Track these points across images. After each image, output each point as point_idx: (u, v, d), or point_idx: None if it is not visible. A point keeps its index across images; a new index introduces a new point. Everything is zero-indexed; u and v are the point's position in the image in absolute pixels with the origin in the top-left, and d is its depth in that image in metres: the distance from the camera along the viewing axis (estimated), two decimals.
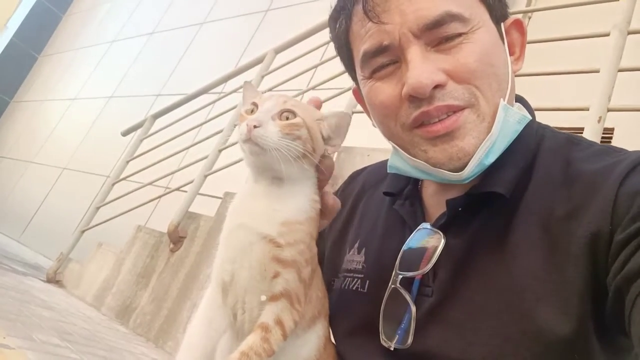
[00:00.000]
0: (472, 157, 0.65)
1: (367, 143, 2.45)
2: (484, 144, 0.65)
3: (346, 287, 0.81)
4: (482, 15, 0.68)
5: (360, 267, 0.81)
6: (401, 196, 0.81)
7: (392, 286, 0.72)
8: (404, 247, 0.74)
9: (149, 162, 4.09)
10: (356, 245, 0.84)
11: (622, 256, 0.54)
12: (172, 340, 2.87)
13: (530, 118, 0.70)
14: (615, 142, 2.83)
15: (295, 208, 0.70)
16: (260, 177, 0.72)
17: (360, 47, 0.70)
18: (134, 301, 3.31)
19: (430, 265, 0.69)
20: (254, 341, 0.64)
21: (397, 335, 0.69)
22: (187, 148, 3.86)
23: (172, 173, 3.87)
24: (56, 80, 9.31)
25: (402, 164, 0.73)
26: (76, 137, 7.48)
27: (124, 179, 4.22)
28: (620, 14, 2.11)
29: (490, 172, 0.69)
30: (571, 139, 0.72)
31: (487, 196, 0.68)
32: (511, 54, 0.72)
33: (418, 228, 0.74)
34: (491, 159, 0.67)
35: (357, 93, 0.81)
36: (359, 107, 2.73)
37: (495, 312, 0.63)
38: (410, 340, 0.67)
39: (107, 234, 4.20)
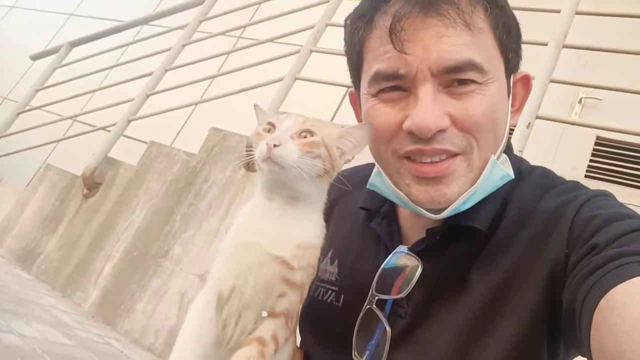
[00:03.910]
0: (451, 203, 0.68)
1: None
2: (465, 194, 0.68)
3: (320, 298, 0.82)
4: (498, 69, 0.69)
5: (334, 279, 0.82)
6: (378, 214, 0.83)
7: (368, 307, 0.75)
8: (381, 269, 0.76)
9: (61, 95, 3.72)
10: (329, 255, 0.85)
11: (575, 271, 0.59)
12: (81, 291, 2.75)
13: (512, 177, 0.72)
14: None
15: (311, 232, 0.71)
16: (275, 195, 0.71)
17: (374, 65, 0.70)
18: (38, 246, 3.09)
19: (407, 291, 0.72)
20: (251, 354, 0.65)
21: (367, 352, 0.72)
22: (109, 87, 3.57)
23: (91, 111, 3.56)
24: None
25: (383, 186, 0.75)
26: None
27: (33, 109, 3.81)
28: (558, 26, 2.24)
29: (470, 207, 0.72)
30: (545, 175, 0.77)
31: (466, 229, 0.72)
32: (511, 105, 0.75)
33: (395, 251, 0.76)
34: (467, 205, 0.70)
35: (354, 98, 0.80)
36: (302, 74, 2.62)
37: (458, 330, 0.68)
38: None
39: (8, 169, 3.82)
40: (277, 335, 0.68)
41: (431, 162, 0.68)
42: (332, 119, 3.54)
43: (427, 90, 0.66)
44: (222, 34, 3.27)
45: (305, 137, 0.69)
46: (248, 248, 0.69)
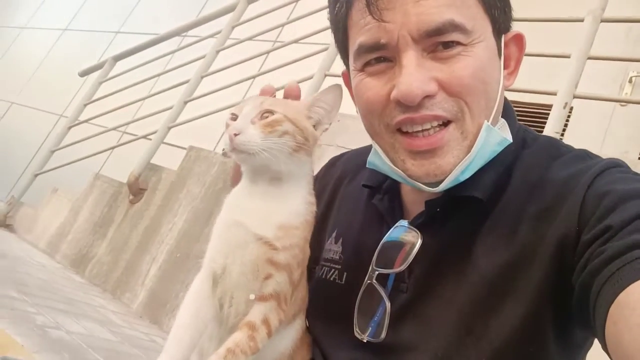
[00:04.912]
0: (448, 175, 0.67)
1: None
2: (462, 163, 0.66)
3: (323, 277, 0.83)
4: (484, 29, 0.67)
5: (338, 257, 0.82)
6: (380, 190, 0.82)
7: (368, 282, 0.74)
8: (381, 243, 0.75)
9: (108, 107, 3.92)
10: (334, 234, 0.85)
11: (587, 254, 0.57)
12: (130, 292, 2.88)
13: (510, 141, 0.70)
14: (573, 121, 2.94)
15: (292, 211, 0.71)
16: (257, 177, 0.71)
17: (357, 38, 0.69)
18: (90, 250, 3.26)
19: (406, 264, 0.71)
20: (240, 338, 0.66)
21: (370, 328, 0.72)
22: (151, 96, 3.72)
23: (134, 121, 3.73)
24: (2, 4, 8.60)
25: (381, 163, 0.74)
26: (26, 69, 7.03)
27: (82, 122, 4.03)
28: (596, 0, 2.13)
29: (470, 176, 0.70)
30: (550, 143, 0.74)
31: (465, 199, 0.70)
32: (506, 67, 0.72)
33: (396, 225, 0.75)
34: (466, 175, 0.67)
35: (347, 77, 0.80)
36: (332, 71, 2.63)
37: (462, 306, 0.66)
38: (383, 335, 0.70)
39: (62, 180, 4.05)
40: (268, 319, 0.68)
41: (423, 134, 0.67)
42: None
43: (410, 57, 0.65)
44: (250, 39, 3.34)
45: (267, 117, 0.69)
46: (234, 227, 0.70)
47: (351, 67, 0.74)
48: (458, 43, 0.65)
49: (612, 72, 3.11)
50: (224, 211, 0.74)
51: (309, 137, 0.71)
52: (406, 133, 0.68)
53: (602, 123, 3.13)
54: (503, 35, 0.71)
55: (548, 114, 2.07)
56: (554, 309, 0.62)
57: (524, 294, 0.63)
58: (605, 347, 0.51)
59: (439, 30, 0.64)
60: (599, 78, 2.72)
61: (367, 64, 0.69)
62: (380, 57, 0.68)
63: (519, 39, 0.74)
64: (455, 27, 0.64)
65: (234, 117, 0.70)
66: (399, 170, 0.70)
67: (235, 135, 0.66)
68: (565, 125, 2.29)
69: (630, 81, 3.35)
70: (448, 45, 0.65)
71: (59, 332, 1.75)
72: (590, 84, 2.12)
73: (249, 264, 0.68)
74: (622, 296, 0.49)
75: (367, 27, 0.67)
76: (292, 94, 0.77)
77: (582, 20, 2.12)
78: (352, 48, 0.71)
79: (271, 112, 0.69)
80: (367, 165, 0.77)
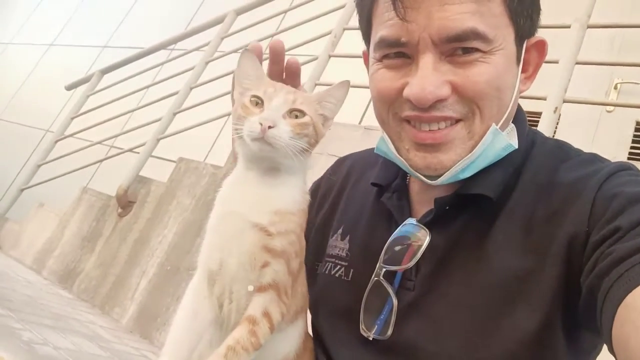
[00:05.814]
0: (448, 170, 0.67)
1: None
2: (462, 162, 0.67)
3: (328, 273, 0.81)
4: (506, 37, 0.67)
5: (344, 254, 0.82)
6: (389, 189, 0.82)
7: (375, 278, 0.73)
8: (389, 241, 0.75)
9: (95, 120, 3.87)
10: (340, 231, 0.84)
11: (595, 256, 0.57)
12: (119, 307, 2.81)
13: (515, 147, 0.70)
14: (560, 128, 2.97)
15: (289, 198, 0.70)
16: (254, 165, 0.70)
17: (379, 31, 0.69)
18: (78, 265, 3.19)
19: (414, 261, 0.70)
20: (241, 335, 0.63)
21: (376, 326, 0.71)
22: (139, 108, 3.69)
23: (123, 133, 3.69)
24: None
25: (387, 150, 0.75)
26: (11, 85, 6.96)
27: (68, 136, 3.98)
28: (582, 7, 2.17)
29: (479, 174, 0.70)
30: (559, 146, 0.75)
31: (475, 197, 0.70)
32: (523, 71, 0.72)
33: (404, 223, 0.75)
34: (467, 173, 0.68)
35: (367, 57, 0.80)
36: (322, 80, 2.64)
37: (473, 307, 0.65)
38: (390, 332, 0.69)
39: (48, 194, 3.99)
40: (269, 312, 0.65)
41: (430, 130, 0.67)
42: (360, 122, 3.51)
43: (427, 60, 0.65)
44: (237, 50, 3.33)
45: (296, 116, 0.68)
46: (229, 217, 0.68)
47: (370, 54, 0.75)
48: (477, 50, 0.65)
49: (598, 79, 3.15)
50: (217, 204, 0.72)
51: (319, 138, 0.72)
52: (413, 125, 0.69)
53: (590, 129, 3.17)
54: (526, 41, 0.71)
55: (537, 120, 2.08)
56: (565, 311, 0.62)
57: (537, 297, 0.62)
58: (611, 349, 0.51)
59: (459, 37, 0.64)
60: (585, 86, 2.76)
61: (386, 56, 0.70)
62: (400, 52, 0.68)
63: (541, 45, 0.74)
64: (476, 35, 0.64)
65: (257, 101, 0.68)
66: (402, 159, 0.71)
67: (269, 127, 0.65)
68: (554, 132, 2.32)
69: (615, 88, 3.41)
70: (467, 50, 0.65)
71: (47, 347, 1.70)
72: (577, 92, 2.15)
73: (245, 254, 0.66)
74: (630, 298, 0.49)
75: (390, 22, 0.67)
76: (292, 69, 0.77)
77: (568, 27, 2.15)
78: (374, 38, 0.71)
79: (302, 112, 0.68)
80: (375, 151, 0.78)
